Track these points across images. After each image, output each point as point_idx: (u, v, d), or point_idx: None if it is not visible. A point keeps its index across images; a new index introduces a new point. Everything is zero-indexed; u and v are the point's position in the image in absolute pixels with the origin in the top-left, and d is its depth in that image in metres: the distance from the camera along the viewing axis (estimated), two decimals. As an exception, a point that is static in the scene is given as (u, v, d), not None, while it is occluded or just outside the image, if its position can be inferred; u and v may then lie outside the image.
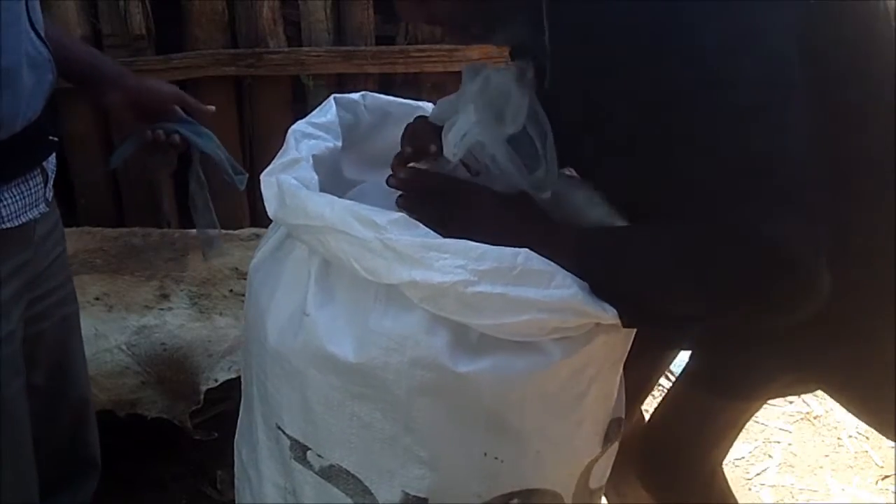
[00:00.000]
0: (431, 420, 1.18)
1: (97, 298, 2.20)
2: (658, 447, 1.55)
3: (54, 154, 1.43)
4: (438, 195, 1.23)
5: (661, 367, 1.66)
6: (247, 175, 1.59)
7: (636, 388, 1.50)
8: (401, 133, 1.39)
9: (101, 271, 2.32)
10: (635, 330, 1.29)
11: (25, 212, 1.34)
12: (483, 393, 1.16)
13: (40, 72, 1.31)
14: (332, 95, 1.45)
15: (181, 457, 2.26)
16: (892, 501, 2.34)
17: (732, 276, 1.04)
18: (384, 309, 1.15)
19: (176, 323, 2.17)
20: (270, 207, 1.23)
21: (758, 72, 1.00)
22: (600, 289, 1.14)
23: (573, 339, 1.19)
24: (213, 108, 1.58)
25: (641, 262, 1.13)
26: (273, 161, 1.29)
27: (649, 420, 1.59)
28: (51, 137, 1.39)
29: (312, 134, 1.37)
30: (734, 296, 1.07)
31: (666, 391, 1.56)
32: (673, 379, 1.58)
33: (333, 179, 1.39)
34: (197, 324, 2.17)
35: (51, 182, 1.43)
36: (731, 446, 1.55)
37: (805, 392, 1.50)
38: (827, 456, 2.49)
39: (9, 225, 1.32)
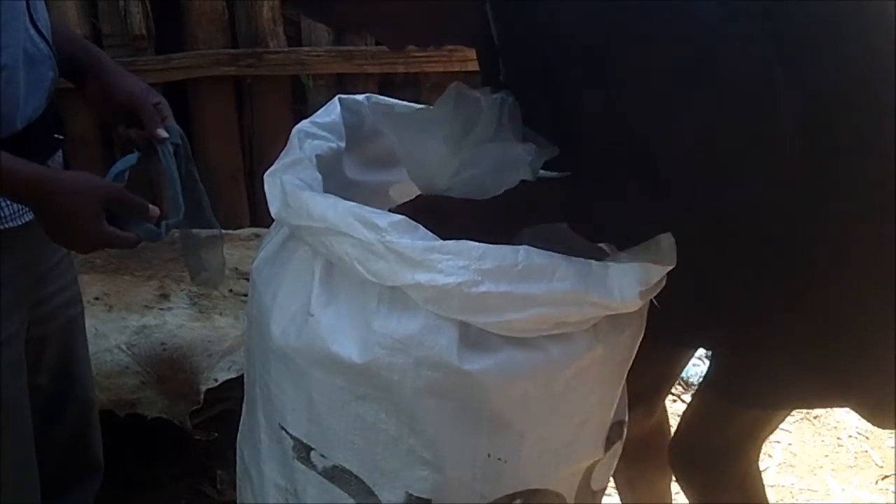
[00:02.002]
0: (436, 421, 1.18)
1: (97, 298, 2.20)
2: (686, 449, 1.57)
3: (60, 153, 1.42)
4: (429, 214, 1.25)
5: (677, 364, 1.67)
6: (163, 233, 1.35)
7: (654, 384, 1.56)
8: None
9: (101, 271, 2.31)
10: (641, 336, 1.31)
11: (28, 211, 1.33)
12: (488, 392, 1.17)
13: (39, 69, 1.30)
14: (337, 96, 1.46)
15: (181, 457, 2.25)
16: (892, 501, 2.34)
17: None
18: (388, 310, 1.16)
19: (176, 323, 2.16)
20: (273, 207, 1.23)
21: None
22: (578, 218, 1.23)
23: (577, 340, 1.20)
24: (165, 134, 1.36)
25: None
26: (276, 161, 1.29)
27: (679, 422, 1.60)
28: (55, 136, 1.37)
29: (316, 134, 1.37)
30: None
31: (693, 393, 1.57)
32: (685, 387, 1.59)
33: (336, 180, 1.39)
34: (197, 324, 2.17)
35: None
36: (760, 446, 1.56)
37: (829, 406, 1.49)
38: (827, 456, 2.49)
39: (10, 224, 1.31)
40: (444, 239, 1.15)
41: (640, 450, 1.64)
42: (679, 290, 1.23)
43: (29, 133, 1.29)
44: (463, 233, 1.17)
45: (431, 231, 1.15)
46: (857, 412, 1.43)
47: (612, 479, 1.55)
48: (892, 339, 1.29)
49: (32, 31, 1.28)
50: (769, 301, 1.32)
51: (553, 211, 1.25)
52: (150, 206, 1.29)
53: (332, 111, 1.42)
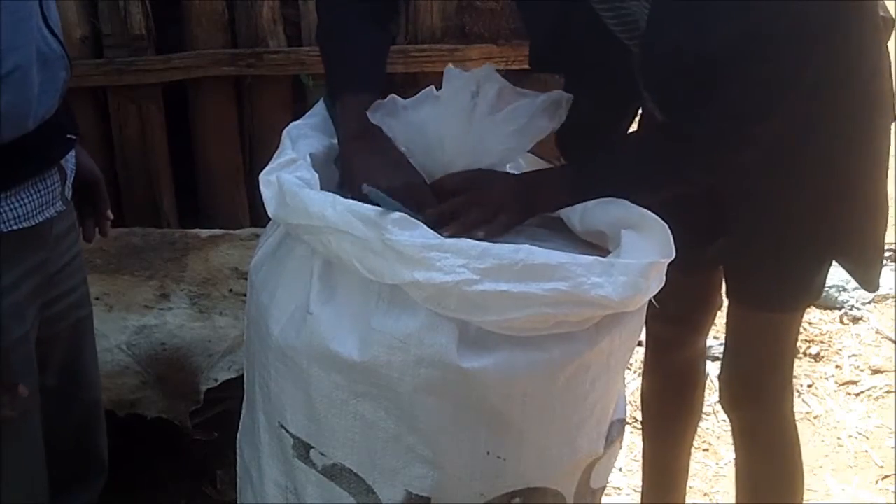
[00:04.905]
0: (435, 419, 1.18)
1: (97, 298, 2.19)
2: (730, 374, 1.69)
3: (73, 152, 1.42)
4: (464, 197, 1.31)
5: (708, 284, 1.74)
6: None
7: (691, 304, 1.73)
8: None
9: (101, 271, 2.31)
10: (640, 333, 1.32)
11: (41, 211, 1.32)
12: (487, 390, 1.17)
13: (52, 69, 1.29)
14: (321, 99, 1.46)
15: (181, 457, 2.25)
16: (893, 501, 2.34)
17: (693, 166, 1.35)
18: (387, 307, 1.16)
19: (176, 323, 2.16)
20: (270, 207, 1.23)
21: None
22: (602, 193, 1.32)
23: (577, 339, 1.20)
24: (111, 216, 1.56)
25: (627, 168, 1.36)
26: (271, 161, 1.29)
27: (722, 355, 1.72)
28: (68, 135, 1.37)
29: (307, 133, 1.37)
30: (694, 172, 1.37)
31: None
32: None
33: (332, 177, 1.39)
34: (197, 324, 2.17)
35: (69, 181, 1.40)
36: (792, 364, 1.69)
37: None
38: (827, 456, 2.49)
39: (24, 224, 1.30)
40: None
41: (682, 381, 1.85)
42: (690, 214, 1.36)
43: (41, 133, 1.29)
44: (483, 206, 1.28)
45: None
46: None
47: (624, 455, 1.57)
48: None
49: (45, 31, 1.28)
50: (759, 213, 1.51)
51: (559, 187, 1.35)
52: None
53: (319, 111, 1.43)
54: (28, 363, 1.39)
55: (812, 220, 1.50)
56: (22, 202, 1.29)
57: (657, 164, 1.36)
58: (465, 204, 1.28)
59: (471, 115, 1.31)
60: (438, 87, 1.37)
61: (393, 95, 1.33)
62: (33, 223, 1.31)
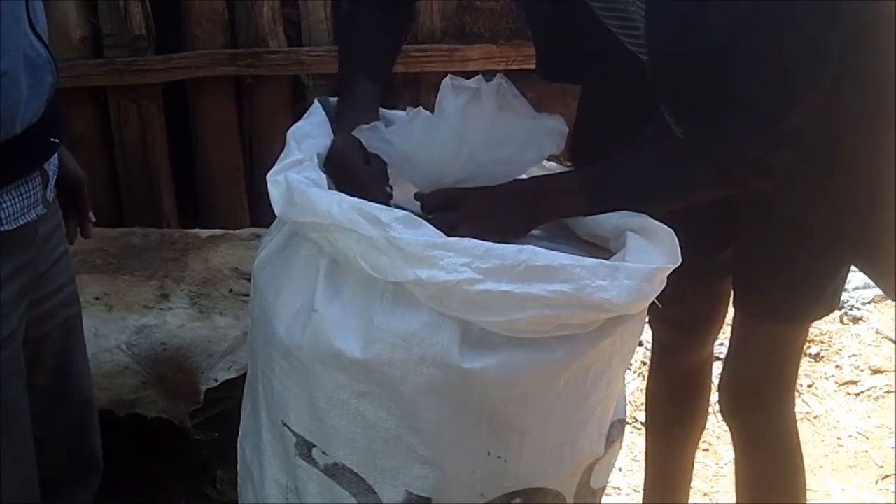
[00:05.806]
0: (436, 419, 1.18)
1: (97, 298, 2.20)
2: (733, 381, 1.66)
3: (56, 155, 1.42)
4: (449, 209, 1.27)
5: (714, 295, 1.72)
6: None
7: (699, 313, 1.72)
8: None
9: (101, 271, 2.31)
10: (641, 334, 1.31)
11: (24, 214, 1.33)
12: (489, 390, 1.17)
13: (39, 73, 1.30)
14: (316, 98, 1.46)
15: (181, 457, 2.25)
16: (893, 501, 2.34)
17: (715, 175, 1.30)
18: (391, 306, 1.16)
19: (176, 323, 2.16)
20: (277, 205, 1.23)
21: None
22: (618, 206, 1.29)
23: (578, 339, 1.20)
24: (93, 219, 1.60)
25: (645, 174, 1.33)
26: (277, 162, 1.29)
27: (724, 360, 1.70)
28: (52, 139, 1.37)
29: (311, 133, 1.38)
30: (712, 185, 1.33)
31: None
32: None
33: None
34: (197, 324, 2.17)
35: (52, 183, 1.41)
36: (795, 376, 1.67)
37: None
38: (827, 456, 2.49)
39: (6, 227, 1.31)
40: (456, 231, 1.17)
41: (686, 386, 1.83)
42: (700, 222, 1.34)
43: (27, 136, 1.29)
44: (476, 220, 1.23)
45: (447, 222, 1.20)
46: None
47: (624, 455, 1.57)
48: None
49: (32, 37, 1.28)
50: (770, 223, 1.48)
51: (573, 194, 1.31)
52: None
53: (316, 111, 1.43)
54: (15, 361, 1.39)
55: (832, 226, 1.45)
56: (4, 205, 1.30)
57: (681, 172, 1.31)
58: (454, 220, 1.24)
59: (463, 134, 1.28)
60: (436, 86, 1.36)
61: (376, 123, 1.32)
62: (14, 226, 1.32)
